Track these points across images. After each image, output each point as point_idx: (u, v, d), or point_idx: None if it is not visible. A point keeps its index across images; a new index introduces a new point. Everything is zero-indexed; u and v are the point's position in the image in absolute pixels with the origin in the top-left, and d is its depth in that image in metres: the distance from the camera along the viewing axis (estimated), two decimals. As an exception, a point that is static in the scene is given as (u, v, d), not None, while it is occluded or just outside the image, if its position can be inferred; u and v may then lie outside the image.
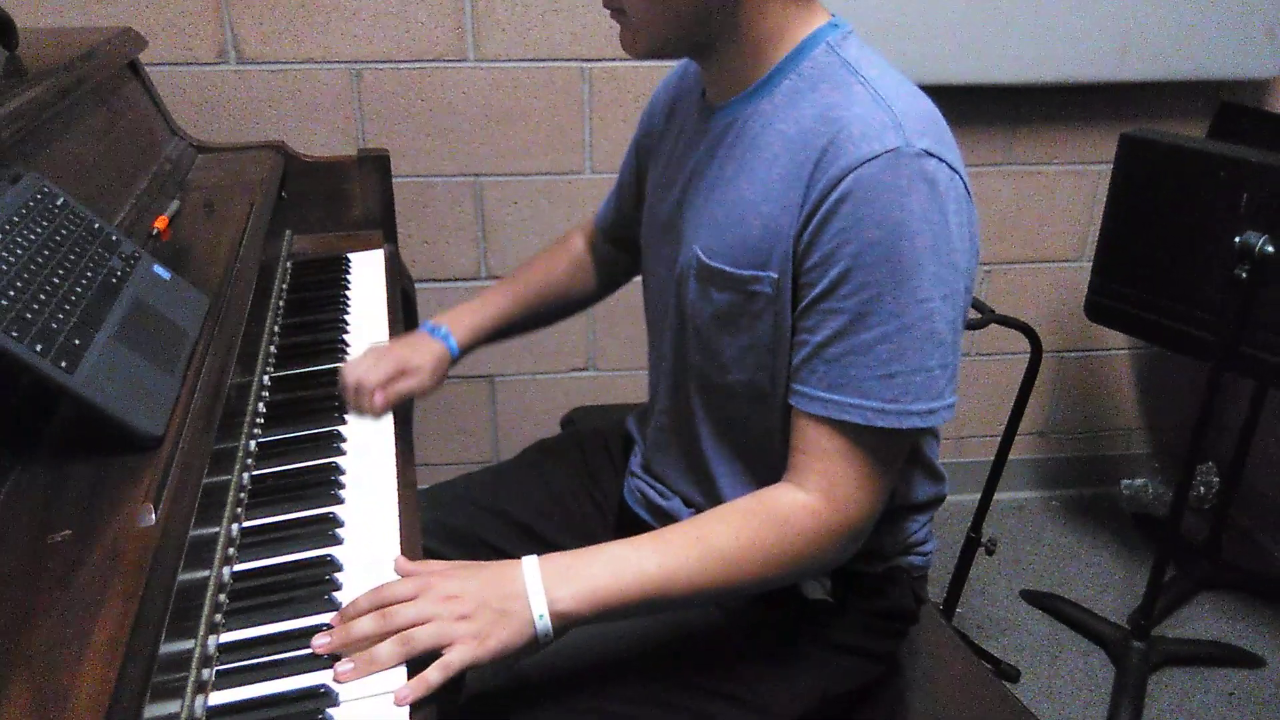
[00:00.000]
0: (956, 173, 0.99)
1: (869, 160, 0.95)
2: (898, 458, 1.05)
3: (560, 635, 0.99)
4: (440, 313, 1.42)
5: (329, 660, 0.91)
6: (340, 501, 1.14)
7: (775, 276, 1.04)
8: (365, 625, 0.93)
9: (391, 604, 0.94)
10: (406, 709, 0.88)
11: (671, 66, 1.31)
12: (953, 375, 1.02)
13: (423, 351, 1.36)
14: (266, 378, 1.34)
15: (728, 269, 1.08)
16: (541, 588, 0.97)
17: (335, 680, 0.90)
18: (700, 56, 1.13)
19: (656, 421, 1.29)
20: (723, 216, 1.09)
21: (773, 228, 1.03)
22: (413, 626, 0.93)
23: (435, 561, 1.02)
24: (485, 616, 0.95)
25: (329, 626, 0.94)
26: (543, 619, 0.96)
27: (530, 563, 0.99)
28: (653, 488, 1.31)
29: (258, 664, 0.90)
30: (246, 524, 1.08)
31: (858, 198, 0.96)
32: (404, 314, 1.65)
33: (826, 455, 1.02)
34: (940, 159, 0.97)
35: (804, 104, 1.04)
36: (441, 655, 0.92)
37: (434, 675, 0.90)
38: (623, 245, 1.51)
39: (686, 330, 1.17)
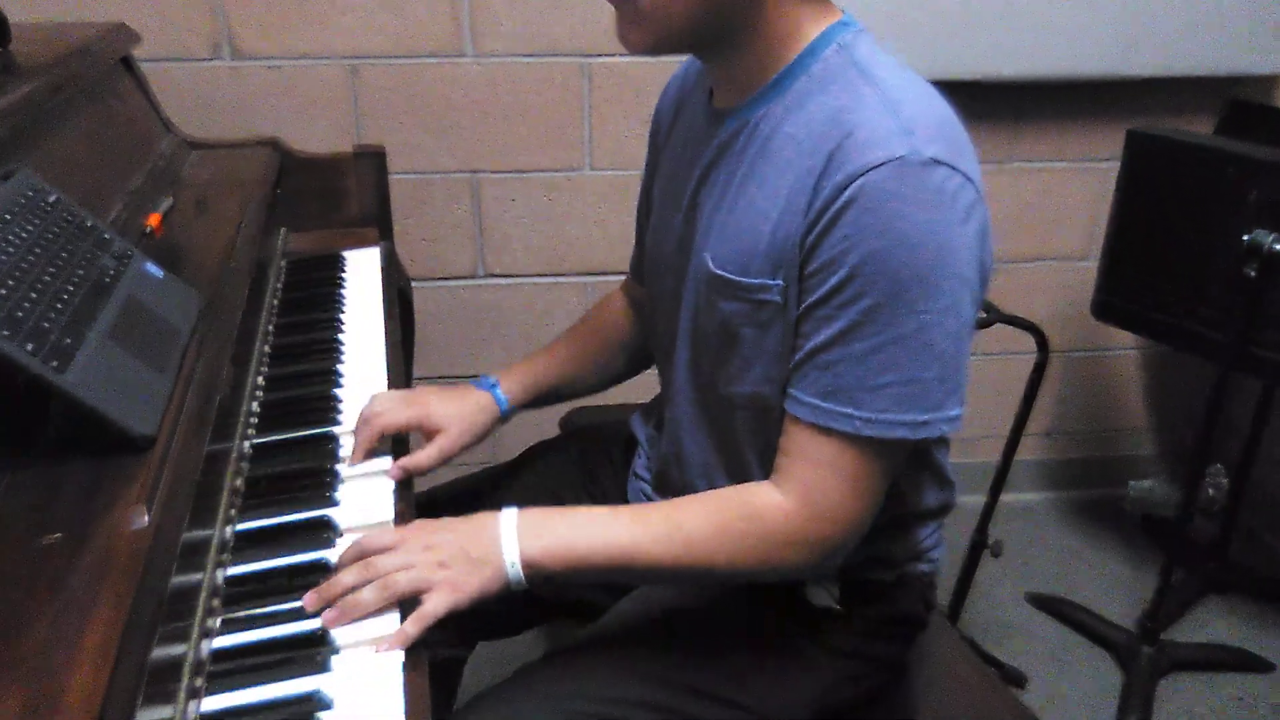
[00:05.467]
0: (970, 180, 0.97)
1: (874, 168, 0.94)
2: (886, 472, 1.03)
3: (534, 586, 1.02)
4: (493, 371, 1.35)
5: (321, 664, 0.92)
6: (335, 504, 1.13)
7: (784, 284, 1.02)
8: (349, 576, 0.98)
9: (374, 554, 1.00)
10: (401, 710, 0.88)
11: (679, 62, 1.28)
12: (953, 389, 1.00)
13: (458, 404, 1.29)
14: (261, 378, 1.33)
15: (736, 278, 1.06)
16: (515, 537, 1.02)
17: (324, 625, 0.95)
18: (708, 55, 1.10)
19: (666, 440, 1.26)
20: (733, 224, 1.07)
21: (781, 235, 1.02)
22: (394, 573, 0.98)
23: (420, 521, 1.07)
24: (461, 564, 1.00)
25: (324, 631, 0.95)
26: (514, 566, 1.01)
27: (508, 513, 1.04)
28: (656, 495, 1.30)
29: (251, 667, 0.90)
30: (240, 527, 1.08)
31: (861, 206, 0.94)
32: (401, 313, 1.64)
33: (810, 462, 1.02)
34: (951, 167, 0.95)
35: (813, 106, 1.02)
36: (420, 604, 0.97)
37: (411, 627, 0.95)
38: None
39: (696, 342, 1.16)
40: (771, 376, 1.07)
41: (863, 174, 0.94)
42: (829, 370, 0.99)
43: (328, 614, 0.95)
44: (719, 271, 1.08)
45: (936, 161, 0.94)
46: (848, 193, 0.95)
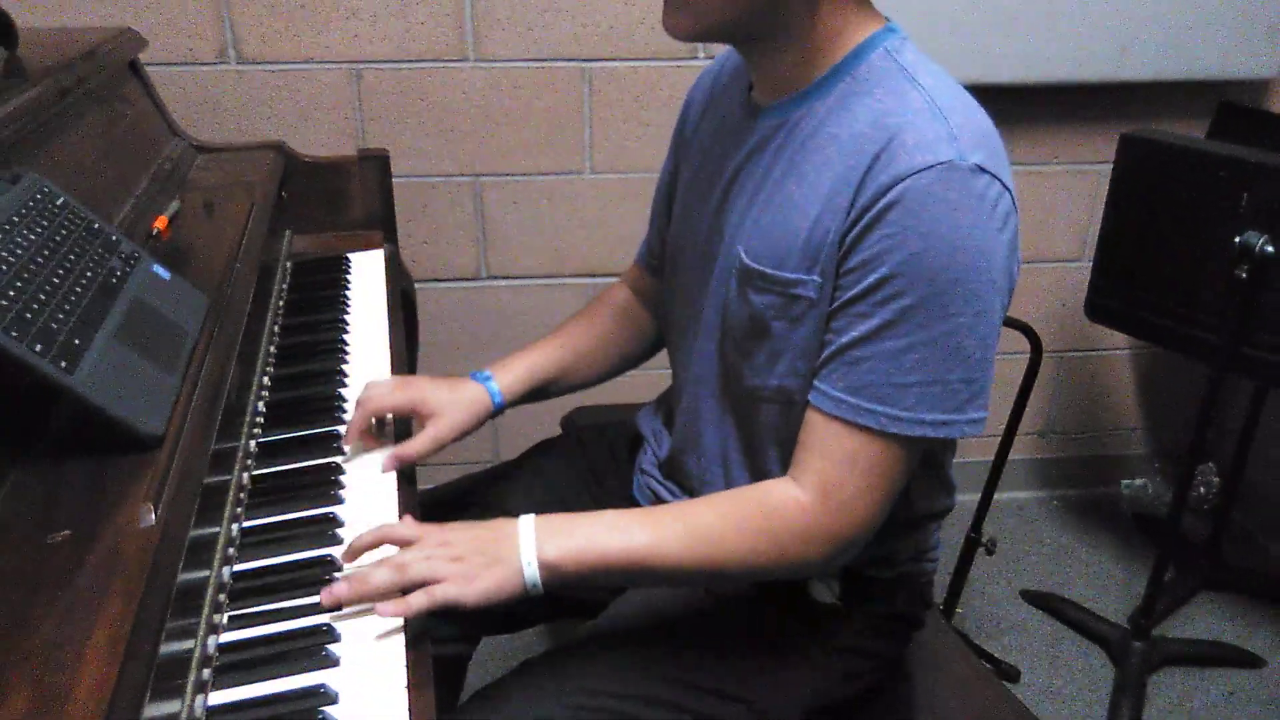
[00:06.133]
0: (1007, 189, 0.99)
1: (921, 170, 0.95)
2: (903, 471, 1.04)
3: (550, 589, 1.02)
4: (484, 366, 1.35)
5: (327, 659, 0.92)
6: (340, 501, 1.14)
7: (819, 280, 1.03)
8: (370, 569, 0.99)
9: (394, 540, 1.02)
10: (406, 704, 0.89)
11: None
12: (978, 392, 1.01)
13: (451, 392, 1.28)
14: (266, 378, 1.34)
15: (770, 271, 1.07)
16: (533, 538, 1.02)
17: (331, 597, 0.97)
18: (752, 50, 1.10)
19: (681, 429, 1.27)
20: (768, 219, 1.08)
21: (820, 231, 1.02)
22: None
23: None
24: (477, 561, 1.00)
25: (329, 626, 0.95)
26: (530, 566, 1.01)
27: (526, 517, 1.04)
28: (664, 485, 1.31)
29: (258, 663, 0.91)
30: (246, 524, 1.08)
31: (905, 207, 0.95)
32: (404, 314, 1.65)
33: (830, 457, 1.02)
34: (993, 175, 0.97)
35: (858, 108, 1.03)
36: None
37: (417, 599, 0.97)
38: None
39: (722, 334, 1.16)
40: (798, 370, 1.08)
41: (909, 176, 0.95)
42: (858, 366, 1.00)
43: (337, 586, 0.97)
44: (753, 264, 1.08)
45: (980, 169, 0.96)
46: (892, 193, 0.96)
